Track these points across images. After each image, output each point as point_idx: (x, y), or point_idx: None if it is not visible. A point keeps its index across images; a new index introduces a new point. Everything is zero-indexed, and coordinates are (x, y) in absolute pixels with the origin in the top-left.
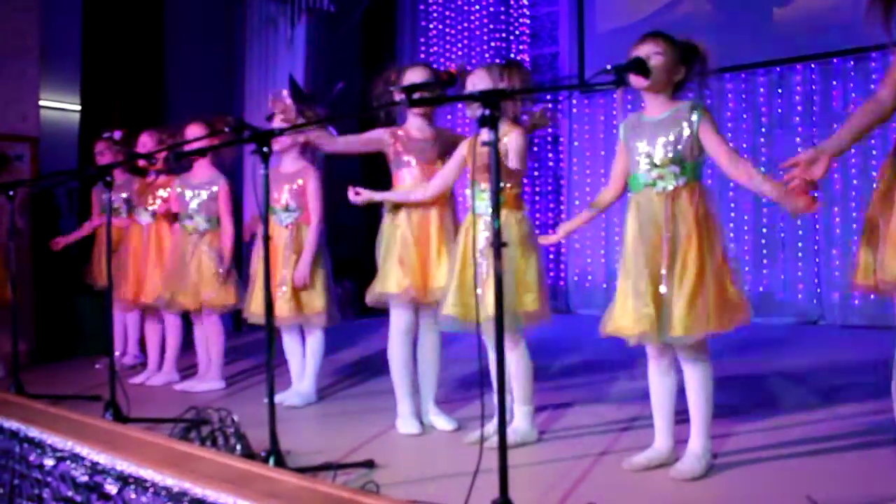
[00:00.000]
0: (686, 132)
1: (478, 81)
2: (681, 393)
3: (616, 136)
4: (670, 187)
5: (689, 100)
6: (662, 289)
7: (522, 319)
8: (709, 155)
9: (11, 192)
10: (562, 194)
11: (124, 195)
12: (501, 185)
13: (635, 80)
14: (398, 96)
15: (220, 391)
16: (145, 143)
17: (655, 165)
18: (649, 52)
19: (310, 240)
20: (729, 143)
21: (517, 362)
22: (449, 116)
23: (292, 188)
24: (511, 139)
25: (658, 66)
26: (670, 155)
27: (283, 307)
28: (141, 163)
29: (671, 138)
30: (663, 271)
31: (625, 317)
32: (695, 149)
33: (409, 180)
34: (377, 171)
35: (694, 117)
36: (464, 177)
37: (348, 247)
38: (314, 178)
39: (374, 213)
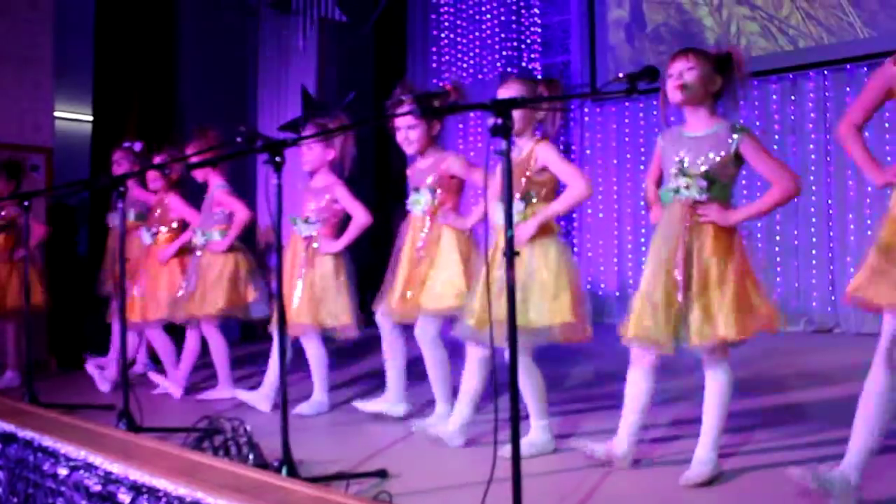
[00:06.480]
0: (723, 152)
1: (511, 94)
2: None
3: (628, 144)
4: (693, 198)
5: (730, 121)
6: (678, 297)
7: (558, 334)
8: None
9: (27, 203)
10: None
11: (133, 213)
12: (534, 198)
13: (672, 95)
14: (406, 108)
15: (236, 401)
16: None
17: (684, 174)
18: (682, 68)
19: (351, 227)
20: (775, 158)
21: (523, 376)
22: (460, 125)
23: (319, 203)
24: (542, 154)
25: (692, 81)
26: (702, 169)
27: (299, 315)
28: (152, 184)
29: (708, 156)
30: (678, 277)
31: (641, 323)
32: (729, 169)
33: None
34: (389, 178)
35: (734, 137)
36: (467, 192)
37: (359, 256)
38: (341, 188)
39: (385, 224)
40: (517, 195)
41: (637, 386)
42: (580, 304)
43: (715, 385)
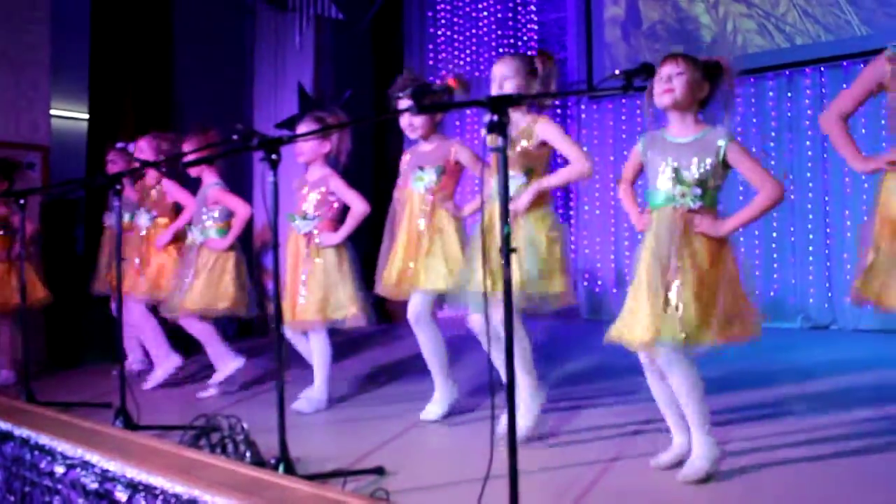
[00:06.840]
0: (711, 158)
1: (507, 71)
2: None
3: (625, 141)
4: (687, 207)
5: (717, 126)
6: (674, 300)
7: (553, 301)
8: (746, 179)
9: (22, 201)
10: (570, 199)
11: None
12: (533, 172)
13: (659, 99)
14: (404, 103)
15: (232, 399)
16: (142, 148)
17: (680, 181)
18: (671, 72)
19: (349, 217)
20: (761, 166)
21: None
22: (457, 123)
23: (316, 196)
24: (542, 130)
25: (680, 85)
26: (696, 176)
27: (307, 311)
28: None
29: (699, 161)
30: (675, 282)
31: (634, 328)
32: (717, 176)
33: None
34: (388, 168)
35: (721, 143)
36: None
37: (359, 247)
38: (336, 179)
39: (384, 215)
40: (518, 170)
41: (658, 387)
42: (568, 272)
43: (681, 378)
